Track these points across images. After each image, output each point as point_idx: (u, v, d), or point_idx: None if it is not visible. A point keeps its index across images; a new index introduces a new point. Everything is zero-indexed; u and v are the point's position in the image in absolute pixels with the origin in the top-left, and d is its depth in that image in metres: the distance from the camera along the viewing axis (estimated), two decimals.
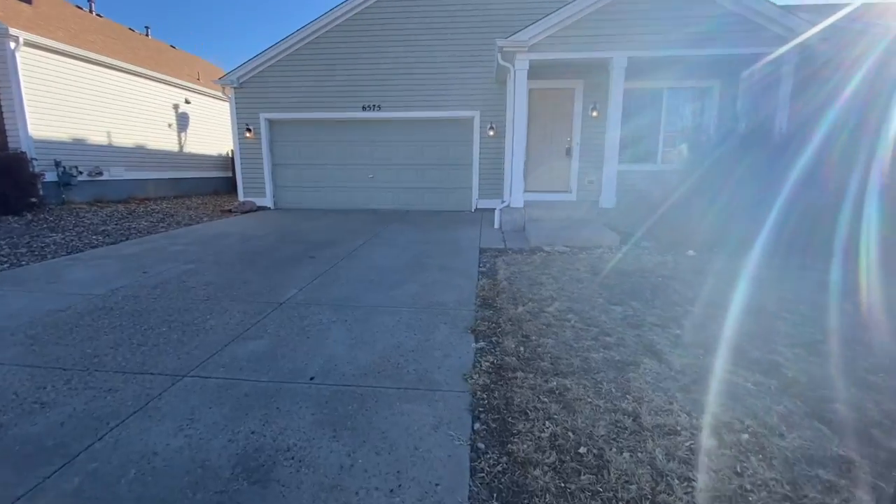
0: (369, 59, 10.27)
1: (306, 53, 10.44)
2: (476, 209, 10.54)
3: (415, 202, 10.89)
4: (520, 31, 7.29)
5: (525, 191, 8.07)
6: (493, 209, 10.30)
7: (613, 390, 2.50)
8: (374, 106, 10.44)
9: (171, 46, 18.43)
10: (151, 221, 8.95)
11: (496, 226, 8.16)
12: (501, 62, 7.71)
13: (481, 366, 2.81)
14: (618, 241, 6.31)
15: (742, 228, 5.88)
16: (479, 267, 5.33)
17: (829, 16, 6.85)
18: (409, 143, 10.66)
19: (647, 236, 6.58)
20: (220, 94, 13.10)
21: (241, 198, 11.25)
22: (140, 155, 12.65)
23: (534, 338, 3.20)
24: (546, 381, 2.59)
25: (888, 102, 5.81)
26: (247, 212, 10.60)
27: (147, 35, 17.91)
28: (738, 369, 2.72)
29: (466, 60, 9.99)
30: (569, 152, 9.26)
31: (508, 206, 8.03)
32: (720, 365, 2.77)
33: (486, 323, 3.51)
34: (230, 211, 10.66)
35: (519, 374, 2.68)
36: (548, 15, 7.27)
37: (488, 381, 2.61)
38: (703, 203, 6.31)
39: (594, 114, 8.91)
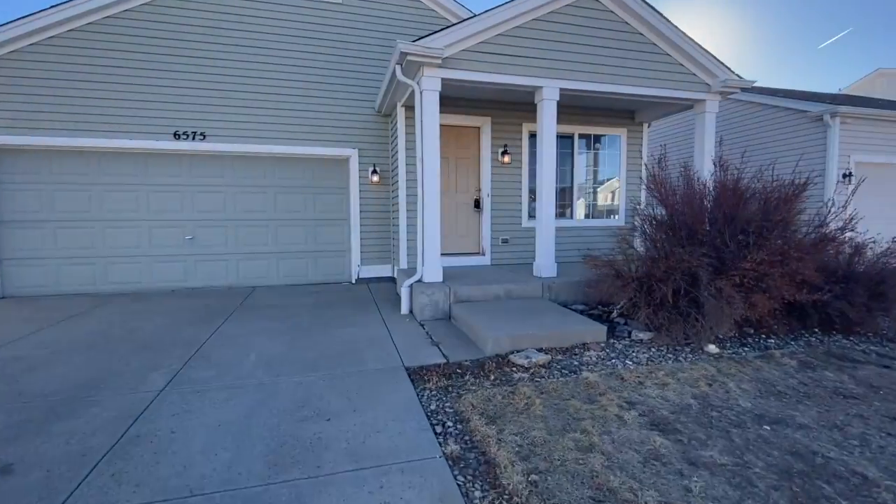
0: (189, 61, 6.86)
1: (74, 41, 6.48)
2: (358, 279, 7.67)
3: (265, 274, 7.46)
4: (427, 36, 5.14)
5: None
6: (384, 279, 7.65)
7: None
8: (194, 133, 6.94)
9: None
10: None
11: (404, 310, 5.48)
12: (401, 77, 5.39)
13: None
14: (603, 333, 4.29)
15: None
16: (439, 439, 2.57)
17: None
18: (254, 189, 7.36)
19: (625, 320, 4.76)
20: None
21: None
22: None
23: None
24: None
25: None
26: None
27: None
28: None
29: (339, 79, 7.43)
30: (478, 205, 7.30)
31: (421, 280, 5.48)
32: None
33: None
34: None
35: None
36: (466, 19, 5.33)
37: None
38: (652, 268, 4.81)
39: (505, 159, 7.21)
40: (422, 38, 5.12)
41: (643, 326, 4.42)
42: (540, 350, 3.98)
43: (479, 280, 5.67)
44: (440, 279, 5.50)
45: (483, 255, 7.31)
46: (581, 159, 7.96)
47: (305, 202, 7.55)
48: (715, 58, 6.26)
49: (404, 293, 5.46)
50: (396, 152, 6.96)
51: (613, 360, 3.81)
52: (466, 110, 7.01)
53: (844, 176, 8.24)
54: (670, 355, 3.95)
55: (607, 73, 5.98)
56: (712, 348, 4.02)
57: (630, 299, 4.52)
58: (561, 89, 5.82)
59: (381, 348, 4.13)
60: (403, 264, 6.83)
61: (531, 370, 3.58)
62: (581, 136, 7.84)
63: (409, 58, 5.05)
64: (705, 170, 6.34)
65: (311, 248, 7.60)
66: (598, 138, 8.00)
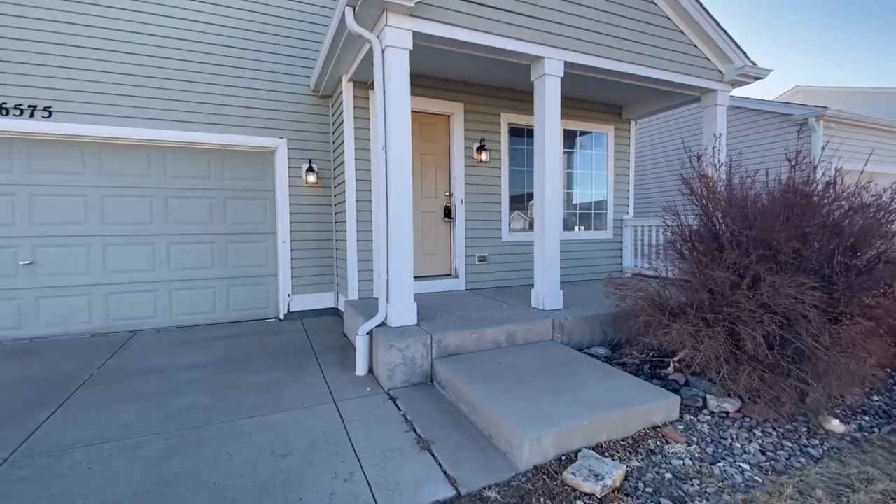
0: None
1: None
2: (289, 313, 5.70)
3: (150, 312, 5.25)
4: None
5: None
6: (326, 311, 5.77)
7: None
8: (33, 108, 4.65)
9: None
10: None
11: (360, 370, 3.70)
12: (353, 26, 3.67)
13: None
14: (675, 406, 2.86)
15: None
16: None
17: None
18: (133, 190, 5.16)
19: (686, 378, 3.40)
20: None
21: None
22: None
23: None
24: None
25: None
26: None
27: None
28: None
29: (261, 44, 5.48)
30: (449, 214, 5.71)
31: (385, 324, 3.76)
32: None
33: None
34: None
35: None
36: None
37: None
38: (720, 304, 3.64)
39: (482, 156, 5.71)
40: None
41: (719, 388, 3.07)
42: (600, 450, 2.45)
43: (466, 317, 4.06)
44: (414, 320, 3.81)
45: (457, 277, 5.72)
46: (572, 158, 6.70)
47: (213, 210, 5.47)
48: (732, 39, 5.25)
49: (361, 344, 3.69)
50: (341, 143, 5.18)
51: (720, 464, 2.37)
52: (433, 92, 5.43)
53: (828, 184, 7.77)
54: (788, 442, 2.61)
55: (618, 48, 4.70)
56: (836, 424, 2.75)
57: (697, 348, 3.14)
58: (566, 63, 4.44)
59: (332, 467, 2.36)
60: (353, 294, 5.05)
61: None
62: (565, 132, 6.57)
63: None
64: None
65: (220, 272, 5.52)
66: (581, 136, 6.79)
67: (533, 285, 4.61)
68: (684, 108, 10.18)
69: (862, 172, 3.81)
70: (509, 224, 6.05)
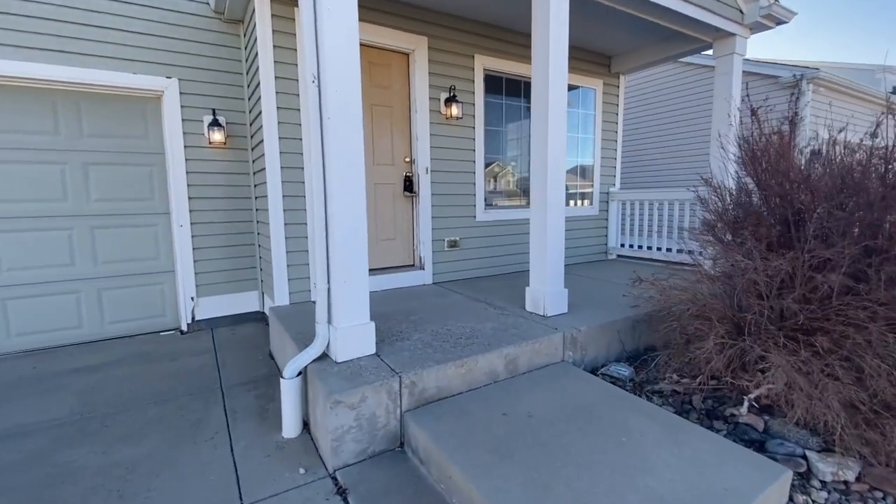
0: None
1: None
2: (194, 323, 4.21)
3: None
4: None
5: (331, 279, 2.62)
6: (246, 317, 4.28)
7: None
8: None
9: None
10: None
11: (290, 431, 2.42)
12: None
13: None
14: (787, 484, 1.87)
15: None
16: None
17: None
18: None
19: (765, 422, 2.45)
20: None
21: None
22: None
23: None
24: None
25: None
26: None
27: None
28: None
29: None
30: (411, 186, 4.40)
31: (327, 356, 2.48)
32: None
33: None
34: None
35: None
36: None
37: None
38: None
39: (452, 110, 4.40)
40: None
41: (815, 438, 2.15)
42: None
43: (444, 334, 2.86)
44: (371, 348, 2.55)
45: (421, 268, 4.48)
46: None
47: (68, 181, 3.77)
48: None
49: (289, 392, 2.38)
50: (258, 86, 3.65)
51: None
52: (388, 19, 4.00)
53: (813, 153, 7.27)
54: None
55: None
56: None
57: (812, 395, 2.17)
58: None
59: None
60: (281, 298, 3.68)
61: None
62: None
63: None
64: (731, 134, 4.41)
65: (86, 270, 3.88)
66: (573, 92, 5.64)
67: (516, 272, 3.58)
68: (666, 70, 9.37)
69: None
70: (484, 200, 4.86)
